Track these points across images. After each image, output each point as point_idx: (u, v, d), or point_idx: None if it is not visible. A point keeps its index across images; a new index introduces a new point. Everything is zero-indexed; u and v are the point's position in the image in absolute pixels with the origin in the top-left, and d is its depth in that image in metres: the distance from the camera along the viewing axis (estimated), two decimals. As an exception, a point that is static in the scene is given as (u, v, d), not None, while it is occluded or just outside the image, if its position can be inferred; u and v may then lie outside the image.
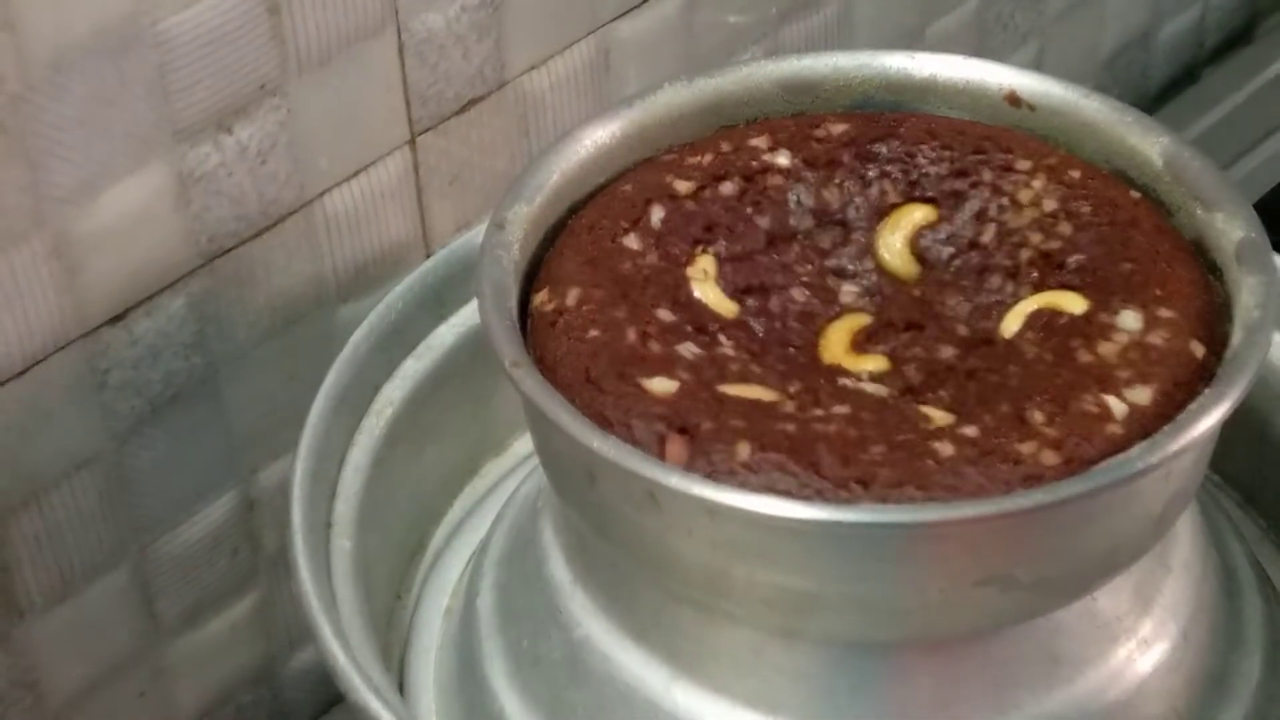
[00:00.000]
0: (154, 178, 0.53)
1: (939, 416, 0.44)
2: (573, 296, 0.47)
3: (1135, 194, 0.50)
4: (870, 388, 0.46)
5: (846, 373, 0.47)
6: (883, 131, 0.51)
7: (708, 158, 0.51)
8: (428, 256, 0.61)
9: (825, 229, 0.51)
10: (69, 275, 0.52)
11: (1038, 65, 0.84)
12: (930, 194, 0.51)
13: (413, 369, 0.54)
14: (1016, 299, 0.48)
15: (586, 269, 0.48)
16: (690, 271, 0.49)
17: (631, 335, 0.46)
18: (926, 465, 0.43)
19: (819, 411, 0.45)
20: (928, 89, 0.53)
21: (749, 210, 0.50)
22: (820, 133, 0.51)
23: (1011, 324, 0.47)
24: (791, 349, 0.48)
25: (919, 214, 0.51)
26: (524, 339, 0.47)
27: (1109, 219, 0.49)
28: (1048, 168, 0.50)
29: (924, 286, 0.50)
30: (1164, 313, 0.46)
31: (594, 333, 0.46)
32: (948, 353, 0.47)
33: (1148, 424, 0.43)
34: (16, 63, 0.48)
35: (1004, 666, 0.46)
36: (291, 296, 0.58)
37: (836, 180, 0.51)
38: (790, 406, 0.45)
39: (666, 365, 0.45)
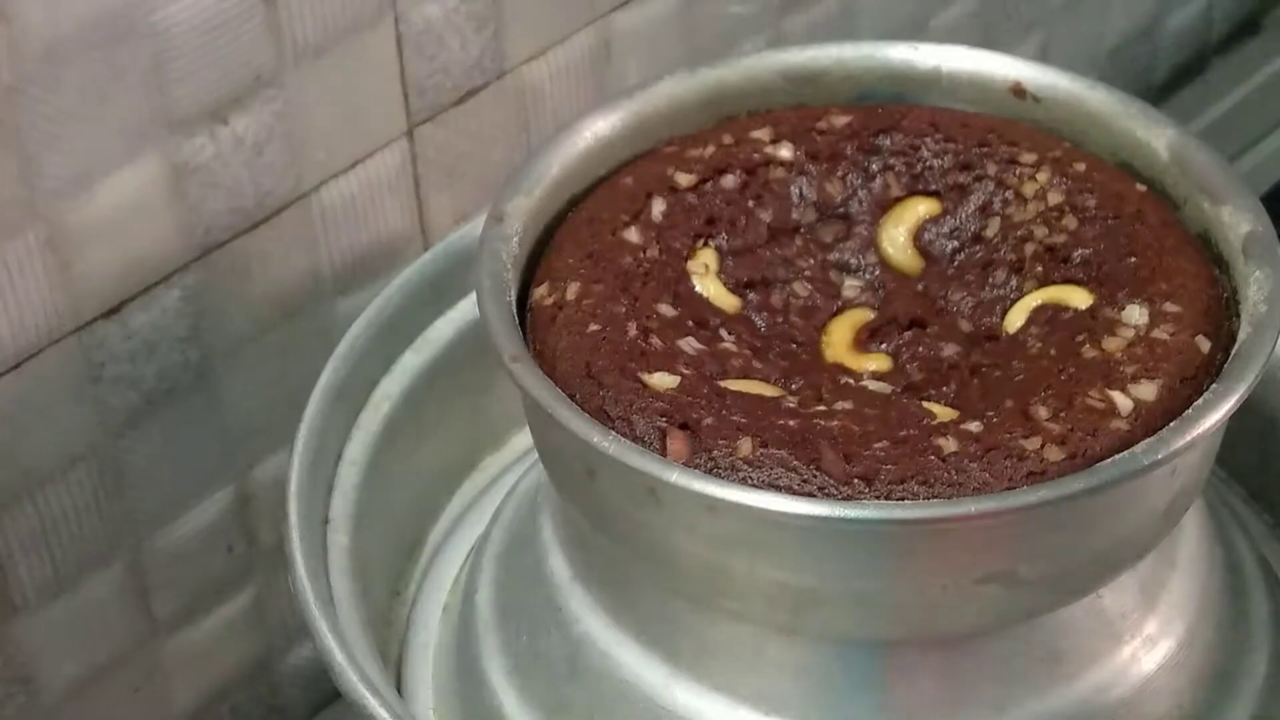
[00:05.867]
0: (149, 169, 0.52)
1: (942, 412, 0.44)
2: (573, 290, 0.47)
3: (1141, 187, 0.49)
4: (873, 384, 0.46)
5: (849, 371, 0.47)
6: (886, 124, 0.51)
7: (709, 150, 0.51)
8: (425, 249, 0.61)
9: (828, 222, 0.51)
10: (63, 268, 0.52)
11: (1042, 56, 0.84)
12: (934, 187, 0.51)
13: (410, 363, 0.54)
14: (1021, 294, 0.48)
15: (587, 262, 0.48)
16: (691, 265, 0.49)
17: (632, 330, 0.46)
18: (930, 461, 0.42)
19: (821, 407, 0.44)
20: (931, 81, 0.52)
21: (751, 203, 0.50)
22: (823, 125, 0.51)
23: (1016, 319, 0.47)
24: (794, 344, 0.48)
25: (922, 207, 0.50)
26: (523, 333, 0.47)
27: (1114, 212, 0.48)
28: (1053, 160, 0.50)
29: (927, 281, 0.49)
30: (1170, 307, 0.46)
31: (594, 327, 0.46)
32: (951, 349, 0.47)
33: (1153, 420, 0.43)
34: (10, 54, 0.48)
35: (1007, 664, 0.46)
36: (288, 289, 0.58)
37: (839, 173, 0.51)
38: (792, 402, 0.45)
39: (667, 360, 0.45)
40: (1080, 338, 0.45)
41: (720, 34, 0.68)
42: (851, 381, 0.46)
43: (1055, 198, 0.49)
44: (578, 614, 0.48)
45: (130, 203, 0.52)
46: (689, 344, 0.46)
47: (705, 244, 0.49)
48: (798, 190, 0.51)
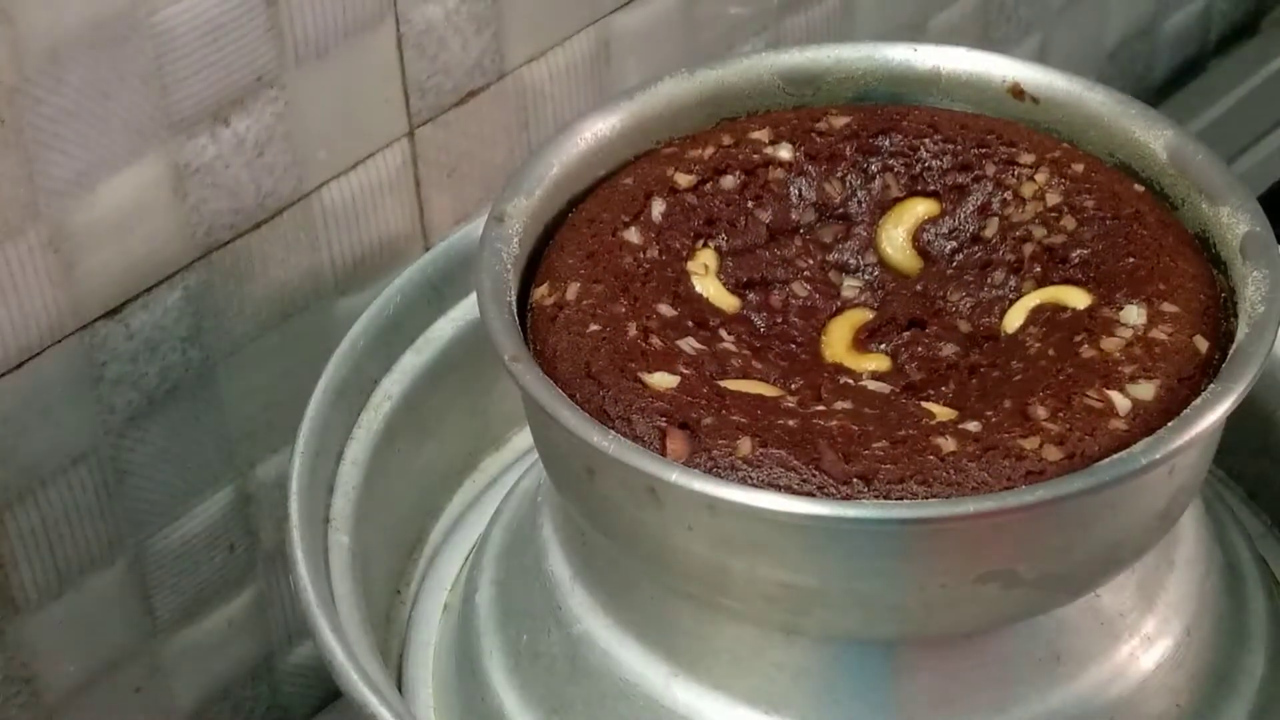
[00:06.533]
0: (151, 170, 0.52)
1: (941, 412, 0.44)
2: (573, 290, 0.47)
3: (1139, 187, 0.49)
4: (872, 384, 0.46)
5: (848, 371, 0.47)
6: (885, 124, 0.51)
7: (709, 151, 0.51)
8: (426, 249, 0.61)
9: (827, 223, 0.51)
10: (65, 268, 0.52)
11: (1041, 57, 0.84)
12: (933, 188, 0.51)
13: (411, 363, 0.54)
14: (1019, 294, 0.48)
15: (587, 263, 0.48)
16: (691, 266, 0.49)
17: (632, 330, 0.46)
18: (928, 461, 0.42)
19: (820, 407, 0.44)
20: (931, 81, 0.52)
21: (750, 204, 0.50)
22: (822, 126, 0.51)
23: (1014, 319, 0.47)
24: (793, 344, 0.48)
25: (921, 208, 0.50)
26: (523, 333, 0.47)
27: (1112, 213, 0.48)
28: (1051, 161, 0.50)
29: (926, 281, 0.49)
30: (1167, 307, 0.46)
31: (594, 327, 0.46)
32: (950, 349, 0.47)
33: (1151, 419, 0.43)
34: (12, 55, 0.48)
35: (1006, 663, 0.46)
36: (289, 289, 0.58)
37: (838, 174, 0.51)
38: (792, 402, 0.45)
39: (667, 360, 0.45)
40: (1078, 338, 0.45)
41: (720, 35, 0.68)
42: (851, 381, 0.46)
43: (1054, 198, 0.49)
44: (578, 613, 0.48)
45: (132, 203, 0.52)
46: (689, 344, 0.46)
47: (705, 244, 0.49)
48: (797, 191, 0.51)
